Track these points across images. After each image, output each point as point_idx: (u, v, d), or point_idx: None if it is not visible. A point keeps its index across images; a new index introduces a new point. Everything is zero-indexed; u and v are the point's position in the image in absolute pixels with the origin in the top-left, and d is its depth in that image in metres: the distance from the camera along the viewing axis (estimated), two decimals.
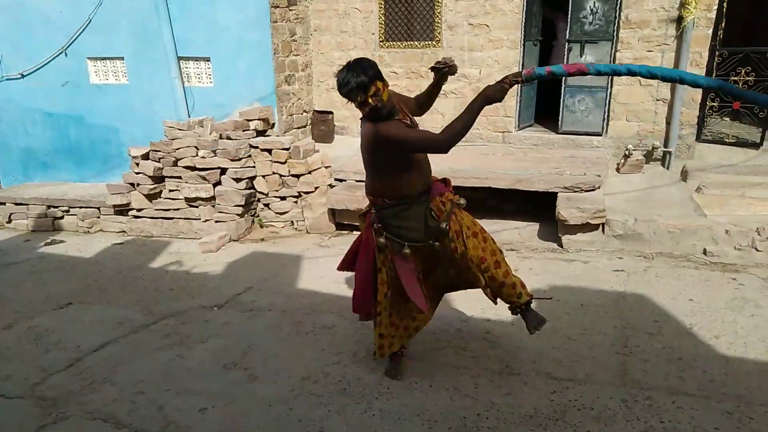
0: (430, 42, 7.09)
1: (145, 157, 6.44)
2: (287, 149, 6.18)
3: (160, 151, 6.37)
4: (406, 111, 2.89)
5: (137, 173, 6.43)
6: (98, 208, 6.89)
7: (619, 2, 6.21)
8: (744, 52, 5.97)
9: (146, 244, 6.25)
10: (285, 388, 3.15)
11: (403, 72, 7.33)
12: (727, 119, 6.59)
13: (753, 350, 3.25)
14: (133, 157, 6.47)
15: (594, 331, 3.56)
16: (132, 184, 6.51)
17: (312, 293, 4.51)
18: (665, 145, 6.31)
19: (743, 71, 5.92)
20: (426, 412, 2.87)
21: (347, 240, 5.98)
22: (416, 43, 7.17)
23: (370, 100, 2.60)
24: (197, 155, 6.29)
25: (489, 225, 5.94)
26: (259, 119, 6.61)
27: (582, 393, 2.94)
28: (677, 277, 4.33)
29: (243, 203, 6.18)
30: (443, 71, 2.80)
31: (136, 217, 6.61)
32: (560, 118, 6.87)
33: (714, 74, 6.05)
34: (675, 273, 4.42)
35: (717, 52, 6.00)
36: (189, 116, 7.37)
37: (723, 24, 5.98)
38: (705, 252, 4.71)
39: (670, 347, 3.33)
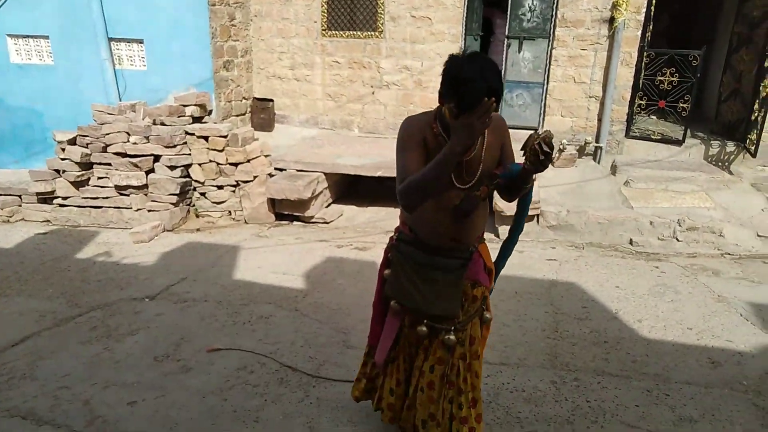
0: (372, 32, 7.07)
1: (72, 142, 6.09)
2: (225, 137, 6.01)
3: (88, 136, 6.05)
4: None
5: (63, 159, 6.08)
6: (19, 196, 6.47)
7: (555, 1, 6.41)
8: (669, 53, 6.30)
9: (72, 234, 5.93)
10: (219, 379, 3.07)
11: (346, 62, 7.28)
12: (654, 117, 6.95)
13: (671, 332, 3.45)
14: (59, 142, 6.11)
15: (527, 318, 3.68)
16: (57, 171, 6.15)
17: (249, 284, 4.42)
18: (597, 141, 6.58)
19: (668, 72, 6.25)
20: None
21: (287, 231, 5.92)
22: (359, 33, 7.14)
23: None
24: (129, 141, 6.01)
25: None
26: (195, 105, 6.38)
27: (514, 376, 3.03)
28: (605, 266, 4.54)
29: (178, 192, 5.97)
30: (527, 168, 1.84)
31: (61, 205, 6.25)
32: (499, 111, 7.01)
33: (642, 73, 6.36)
34: (603, 262, 4.63)
35: (645, 53, 6.30)
36: (120, 100, 7.04)
37: (651, 26, 6.28)
38: (631, 242, 4.95)
39: (597, 331, 3.49)
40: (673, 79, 6.22)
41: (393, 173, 5.93)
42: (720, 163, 6.24)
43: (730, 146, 6.28)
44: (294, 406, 2.84)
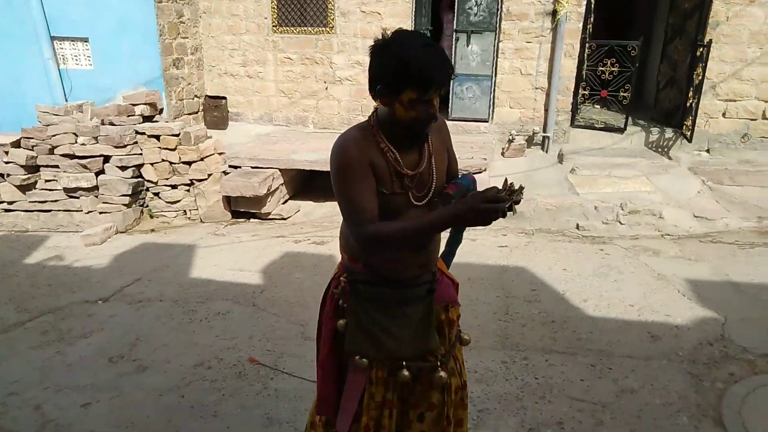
0: (323, 28, 7.09)
1: (16, 144, 5.91)
2: (177, 135, 5.93)
3: (33, 138, 5.87)
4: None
5: (7, 163, 5.89)
6: None
7: None
8: (609, 45, 6.56)
9: (20, 239, 5.75)
10: (176, 377, 3.08)
11: (298, 58, 7.28)
12: (597, 107, 7.22)
13: (615, 310, 3.64)
14: (1, 145, 5.91)
15: (479, 302, 3.81)
16: (1, 175, 5.95)
17: (206, 281, 4.41)
18: (544, 131, 6.80)
19: (609, 62, 6.50)
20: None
21: (244, 228, 5.90)
22: (310, 28, 7.15)
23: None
24: (76, 142, 5.87)
25: None
26: (145, 104, 6.27)
27: (467, 358, 3.13)
28: (553, 250, 4.72)
29: (130, 192, 5.87)
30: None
31: (7, 210, 6.05)
32: (450, 105, 7.17)
33: (585, 64, 6.60)
34: (552, 246, 4.81)
35: (587, 44, 6.54)
36: (66, 100, 6.85)
37: (591, 19, 6.52)
38: (577, 226, 5.16)
39: (545, 312, 3.64)
40: (613, 69, 6.48)
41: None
42: (659, 149, 6.54)
43: (669, 132, 6.60)
44: (252, 398, 2.87)
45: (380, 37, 1.53)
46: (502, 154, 6.74)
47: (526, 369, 3.03)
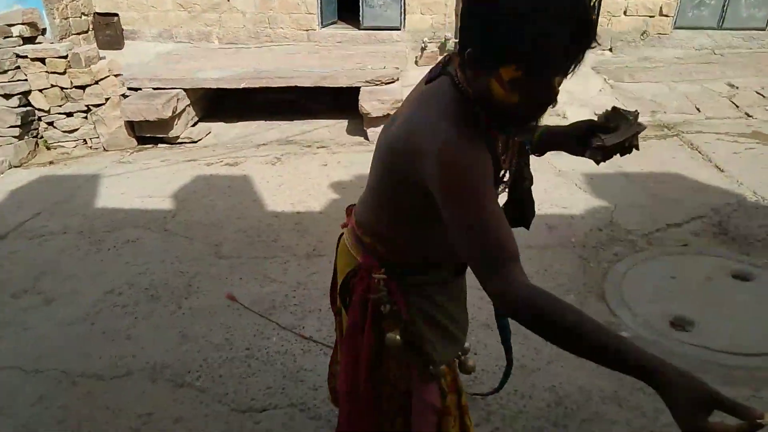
0: None
1: None
2: (65, 57, 5.44)
3: None
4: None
5: None
6: None
7: None
8: None
9: None
10: (85, 306, 3.02)
11: None
12: None
13: None
14: None
15: None
16: None
17: (113, 211, 4.25)
18: (455, 36, 6.75)
19: None
20: (235, 303, 2.97)
21: (151, 154, 5.63)
22: None
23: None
24: None
25: (300, 125, 6.03)
26: (23, 24, 5.65)
27: None
28: None
29: (19, 123, 5.41)
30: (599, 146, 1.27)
31: None
32: (361, 13, 6.93)
33: None
34: None
35: None
36: None
37: None
38: None
39: None
40: None
41: (258, 83, 5.76)
42: None
43: None
44: (166, 319, 2.89)
45: None
46: (416, 63, 6.67)
47: None
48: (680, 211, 3.66)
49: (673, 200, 3.83)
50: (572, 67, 0.98)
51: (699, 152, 4.63)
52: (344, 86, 5.68)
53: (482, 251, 1.03)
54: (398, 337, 1.32)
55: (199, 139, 5.89)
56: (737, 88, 5.98)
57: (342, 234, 1.50)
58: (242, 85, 5.80)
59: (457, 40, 6.09)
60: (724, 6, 6.68)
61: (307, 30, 6.96)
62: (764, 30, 6.77)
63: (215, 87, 5.87)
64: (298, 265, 3.31)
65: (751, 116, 5.40)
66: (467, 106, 1.07)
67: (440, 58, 1.23)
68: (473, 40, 1.01)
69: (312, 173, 4.72)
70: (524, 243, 3.35)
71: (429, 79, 1.17)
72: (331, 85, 5.74)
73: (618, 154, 1.28)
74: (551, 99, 1.03)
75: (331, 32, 7.06)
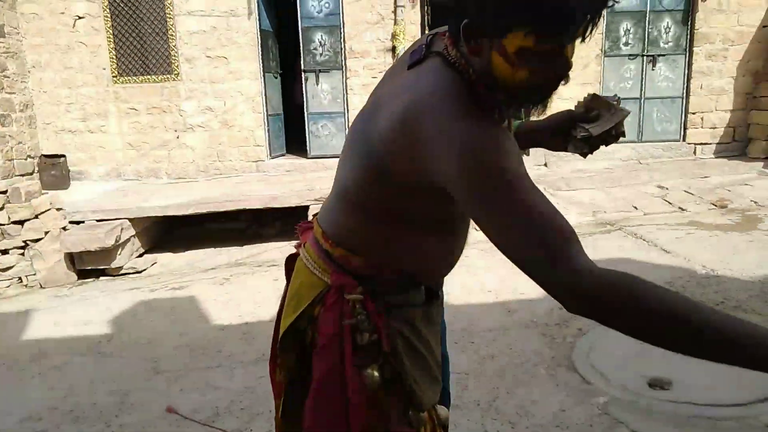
0: (168, 75, 6.92)
1: None
2: (4, 192, 5.33)
3: None
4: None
5: None
6: None
7: (342, 35, 6.90)
8: None
9: None
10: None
11: (144, 108, 7.00)
12: None
13: (475, 297, 3.74)
14: None
15: None
16: None
17: (41, 340, 3.88)
18: None
19: None
20: (174, 416, 2.63)
21: (92, 287, 5.34)
22: (154, 76, 6.94)
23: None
24: None
25: (250, 249, 5.94)
26: None
27: None
28: None
29: None
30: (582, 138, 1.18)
31: None
32: (308, 144, 7.25)
33: None
34: None
35: None
36: None
37: None
38: None
39: None
40: None
41: (207, 208, 5.74)
42: None
43: None
44: None
45: None
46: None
47: None
48: None
49: None
50: (590, 28, 0.84)
51: (643, 240, 4.76)
52: (295, 205, 5.73)
53: (537, 242, 0.85)
54: (376, 373, 1.04)
55: (144, 269, 5.67)
56: (667, 188, 6.37)
57: (292, 255, 1.27)
58: (189, 211, 5.77)
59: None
60: (639, 122, 7.38)
61: (256, 161, 7.16)
62: (679, 141, 7.45)
63: (161, 215, 5.80)
64: (245, 371, 3.02)
65: (684, 209, 5.70)
66: (470, 88, 0.93)
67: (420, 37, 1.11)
68: (469, 7, 0.88)
69: (262, 288, 4.54)
70: (484, 326, 3.23)
71: (412, 63, 1.00)
72: (281, 206, 5.78)
73: (603, 144, 1.18)
74: (566, 70, 0.90)
75: (280, 162, 7.29)
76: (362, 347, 1.05)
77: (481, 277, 4.11)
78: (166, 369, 3.16)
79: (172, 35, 6.78)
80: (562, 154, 7.15)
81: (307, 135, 7.23)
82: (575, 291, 0.83)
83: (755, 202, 5.66)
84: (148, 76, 6.91)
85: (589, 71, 6.98)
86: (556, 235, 0.85)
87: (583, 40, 0.86)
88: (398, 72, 1.05)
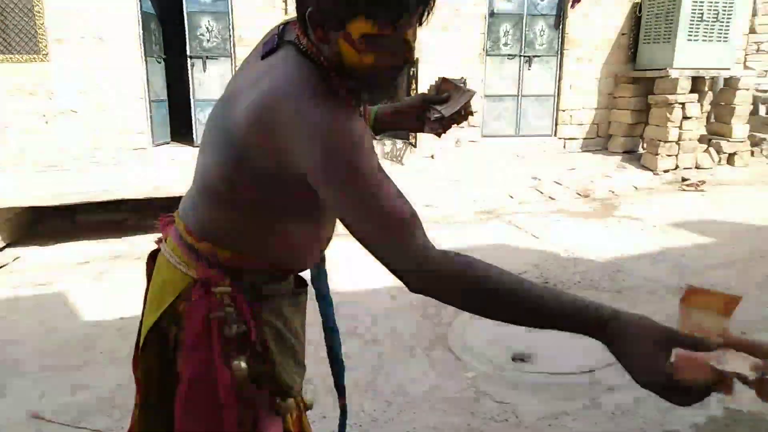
0: (36, 55, 6.33)
1: None
2: None
3: None
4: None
5: None
6: None
7: (231, 22, 6.70)
8: None
9: None
10: None
11: (4, 90, 6.34)
12: None
13: (362, 284, 3.84)
14: None
15: None
16: None
17: None
18: None
19: None
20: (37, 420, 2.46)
21: None
22: (18, 56, 6.30)
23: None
24: None
25: (131, 240, 5.61)
26: None
27: None
28: None
29: None
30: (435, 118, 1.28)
31: None
32: (194, 132, 6.98)
33: None
34: None
35: None
36: None
37: None
38: None
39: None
40: None
41: (80, 198, 5.34)
42: (394, 158, 7.29)
43: (399, 144, 7.40)
44: None
45: None
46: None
47: None
48: (508, 269, 3.93)
49: (501, 261, 4.11)
50: (425, 14, 0.91)
51: (517, 227, 5.13)
52: (179, 195, 5.46)
53: (386, 227, 0.92)
54: (243, 365, 1.05)
55: (4, 265, 5.17)
56: (540, 179, 6.90)
57: (154, 252, 1.24)
58: (61, 202, 5.34)
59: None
60: (517, 119, 7.89)
61: (137, 149, 6.76)
62: (551, 136, 8.07)
63: (26, 205, 5.33)
64: (118, 368, 2.88)
65: (554, 198, 6.21)
66: (323, 75, 0.95)
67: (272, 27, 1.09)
68: None
69: (142, 281, 4.32)
70: (369, 311, 3.34)
71: (265, 53, 1.01)
72: (165, 195, 5.52)
73: (455, 124, 1.28)
74: (410, 53, 0.95)
75: (165, 150, 6.96)
76: (230, 340, 1.05)
77: (368, 263, 4.22)
78: (29, 371, 2.94)
79: (39, 12, 6.18)
80: (447, 147, 7.48)
81: (193, 123, 6.96)
82: (416, 272, 0.91)
83: (612, 192, 6.31)
84: (11, 56, 6.26)
85: (472, 69, 7.34)
86: (402, 222, 0.91)
87: (420, 25, 0.93)
88: (253, 62, 1.06)
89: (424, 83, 6.79)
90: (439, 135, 1.32)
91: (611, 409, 2.27)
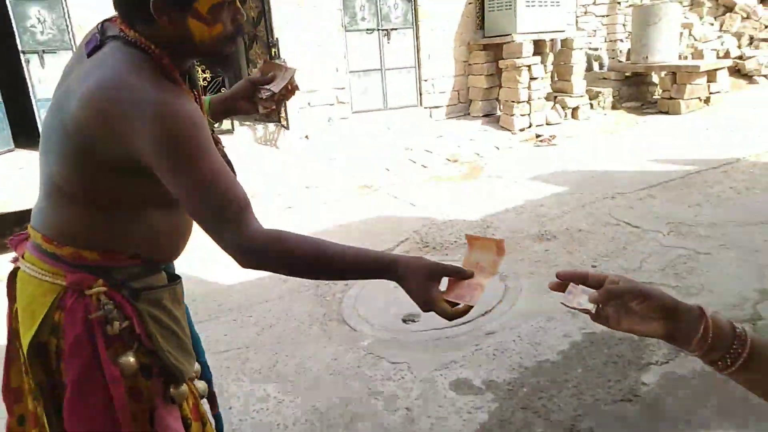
0: None
1: None
2: None
3: None
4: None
5: None
6: None
7: (66, 10, 6.13)
8: None
9: None
10: None
11: None
12: None
13: (253, 272, 3.84)
14: None
15: None
16: None
17: None
18: None
19: (200, 69, 6.78)
20: None
21: None
22: None
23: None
24: None
25: None
26: None
27: None
28: None
29: None
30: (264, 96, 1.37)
31: None
32: (41, 135, 6.35)
33: None
34: None
35: None
36: None
37: None
38: None
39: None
40: (206, 75, 6.81)
41: None
42: (268, 142, 7.20)
43: (272, 127, 7.31)
44: None
45: None
46: None
47: None
48: (391, 238, 4.15)
49: (384, 232, 4.33)
50: None
51: (395, 197, 5.36)
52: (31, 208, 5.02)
53: (217, 206, 1.00)
54: (132, 359, 1.08)
55: None
56: (411, 149, 7.20)
57: (12, 272, 1.17)
58: None
59: None
60: (384, 92, 8.11)
61: None
62: (417, 107, 8.40)
63: None
64: None
65: (426, 166, 6.54)
66: (154, 63, 1.02)
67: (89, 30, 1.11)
68: None
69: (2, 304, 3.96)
70: (261, 298, 3.37)
71: (90, 51, 1.04)
72: (18, 210, 5.02)
73: (285, 100, 1.40)
74: (243, 17, 1.09)
75: (9, 159, 6.28)
76: (114, 337, 1.07)
77: None
78: None
79: None
80: (321, 126, 7.52)
81: (38, 124, 6.33)
82: (246, 248, 1.02)
83: (478, 154, 6.78)
84: None
85: (333, 45, 7.40)
86: (233, 203, 1.01)
87: None
88: (77, 63, 1.07)
89: (287, 54, 6.74)
90: (272, 111, 1.47)
91: (492, 350, 2.54)
